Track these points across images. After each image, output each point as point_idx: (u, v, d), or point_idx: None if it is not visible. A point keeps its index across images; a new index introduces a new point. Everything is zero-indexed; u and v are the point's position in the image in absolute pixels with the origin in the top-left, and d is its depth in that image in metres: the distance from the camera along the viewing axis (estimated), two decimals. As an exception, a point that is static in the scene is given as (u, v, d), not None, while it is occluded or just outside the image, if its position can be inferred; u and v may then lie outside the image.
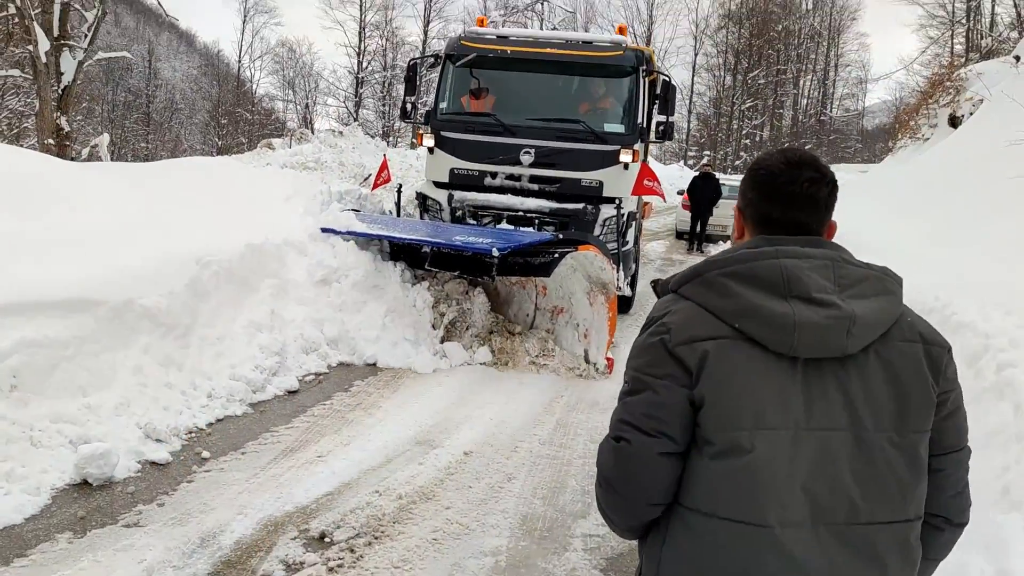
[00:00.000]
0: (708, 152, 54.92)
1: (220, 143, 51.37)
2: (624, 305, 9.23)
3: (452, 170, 9.13)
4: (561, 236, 7.91)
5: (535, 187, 8.94)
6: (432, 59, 10.13)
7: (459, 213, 9.04)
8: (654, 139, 9.81)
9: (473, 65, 9.35)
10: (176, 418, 5.30)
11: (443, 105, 9.55)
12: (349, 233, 7.83)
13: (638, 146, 9.26)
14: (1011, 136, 8.49)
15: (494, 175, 9.01)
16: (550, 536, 4.34)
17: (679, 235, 20.14)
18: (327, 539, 4.11)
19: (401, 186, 10.03)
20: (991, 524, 3.62)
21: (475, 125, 9.19)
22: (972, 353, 5.02)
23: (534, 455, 5.44)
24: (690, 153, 56.44)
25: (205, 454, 5.01)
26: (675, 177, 27.91)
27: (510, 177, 8.98)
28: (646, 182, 9.20)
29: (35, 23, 17.22)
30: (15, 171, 7.49)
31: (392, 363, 7.00)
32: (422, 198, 9.43)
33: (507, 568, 3.98)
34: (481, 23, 10.63)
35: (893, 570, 1.58)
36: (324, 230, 7.90)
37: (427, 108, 9.80)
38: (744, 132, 59.18)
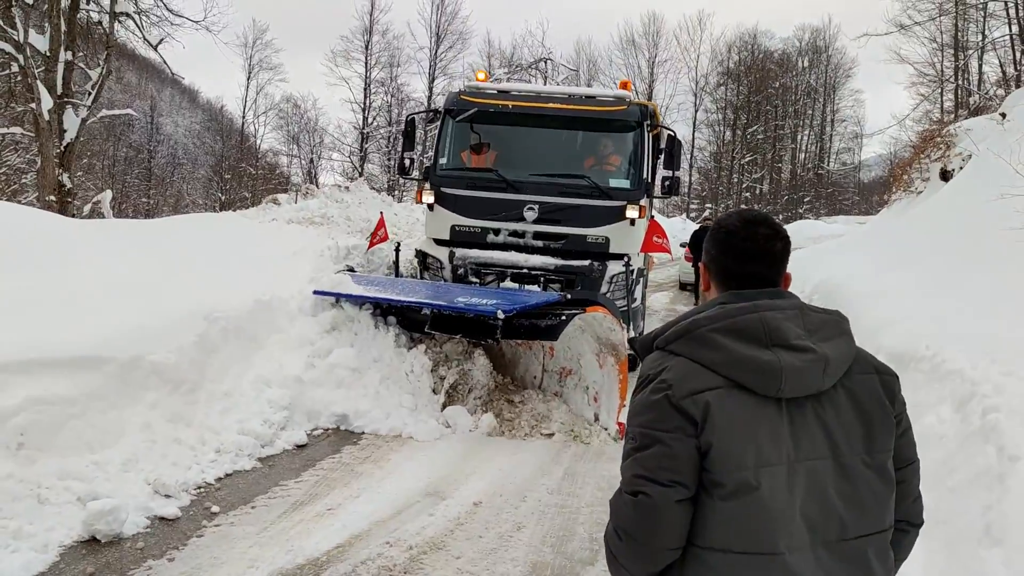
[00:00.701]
0: (710, 205, 55.52)
1: (223, 198, 51.81)
2: (632, 363, 9.06)
3: (453, 227, 8.89)
4: (568, 296, 7.61)
5: (539, 244, 8.71)
6: (431, 114, 9.78)
7: (461, 271, 8.74)
8: (660, 194, 9.56)
9: (474, 120, 9.15)
10: (185, 473, 5.30)
11: (443, 161, 9.29)
12: (344, 296, 7.52)
13: (644, 201, 9.02)
14: (997, 190, 8.69)
15: (497, 232, 8.79)
16: (562, 588, 4.32)
17: (683, 286, 20.28)
18: (338, 593, 4.08)
19: (399, 244, 9.73)
20: (975, 559, 3.74)
21: (476, 181, 8.99)
22: (960, 399, 5.18)
23: (543, 504, 5.42)
24: (692, 206, 57.02)
25: (215, 509, 5.00)
26: (677, 229, 28.19)
27: (513, 234, 8.76)
28: (655, 239, 8.94)
29: (38, 81, 17.55)
30: (20, 229, 7.61)
31: (387, 434, 6.64)
32: (422, 256, 9.18)
33: (520, 621, 3.95)
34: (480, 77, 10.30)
35: (879, 575, 1.77)
36: (317, 293, 7.57)
37: (427, 164, 9.48)
38: (744, 185, 60.00)
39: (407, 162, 9.47)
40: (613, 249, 8.67)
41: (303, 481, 5.55)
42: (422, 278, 9.09)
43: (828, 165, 63.13)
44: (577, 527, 5.10)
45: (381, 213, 10.15)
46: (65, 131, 18.18)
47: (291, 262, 8.41)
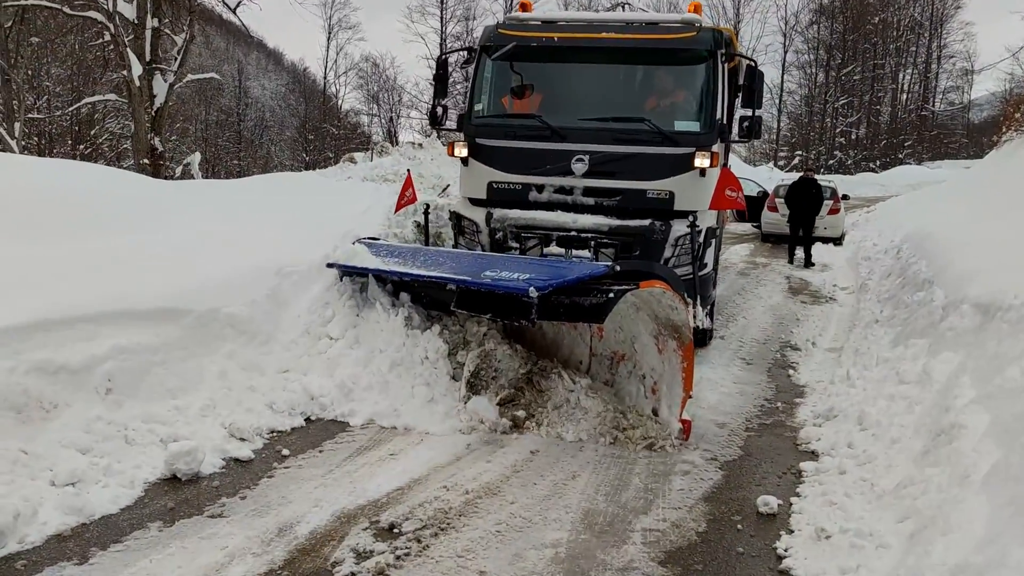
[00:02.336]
0: (800, 152, 53.63)
1: (308, 158, 53.18)
2: (701, 338, 7.92)
3: (490, 184, 7.79)
4: (618, 268, 6.39)
5: (590, 201, 7.54)
6: (466, 52, 8.43)
7: (499, 235, 7.70)
8: (737, 138, 8.14)
9: (513, 57, 7.87)
10: (258, 419, 5.61)
11: (478, 107, 8.05)
12: (358, 270, 6.95)
13: (717, 147, 7.63)
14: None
15: (540, 188, 7.64)
16: (610, 530, 4.42)
17: (764, 237, 19.74)
18: (396, 530, 4.30)
19: (428, 207, 8.79)
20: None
21: (516, 129, 7.78)
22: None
23: (599, 455, 5.51)
24: (780, 153, 55.23)
25: (285, 452, 5.29)
26: (763, 178, 26.93)
27: (560, 190, 7.59)
28: (728, 192, 7.53)
29: (128, 49, 18.40)
30: (113, 191, 8.08)
31: (399, 427, 5.86)
32: (456, 218, 8.15)
33: (566, 559, 4.08)
34: (525, 7, 8.64)
35: None
36: (331, 266, 7.06)
37: (461, 111, 8.29)
38: (838, 130, 57.52)
39: (439, 110, 8.30)
40: (679, 206, 7.44)
41: (369, 427, 5.80)
42: (456, 243, 8.15)
43: (933, 106, 59.83)
44: (632, 477, 5.16)
45: (408, 171, 9.12)
46: (155, 96, 19.00)
47: (360, 220, 8.61)
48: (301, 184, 11.08)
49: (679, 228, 7.38)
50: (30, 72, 24.58)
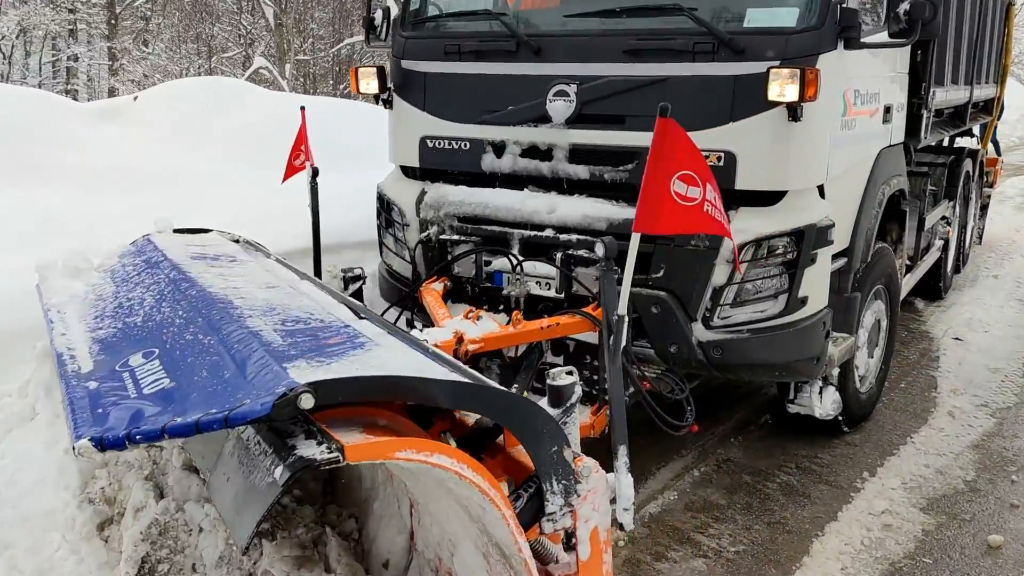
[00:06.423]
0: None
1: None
2: (831, 425, 4.53)
3: (423, 141, 4.59)
4: (308, 393, 1.75)
5: (581, 172, 4.09)
6: None
7: (432, 230, 4.49)
8: (885, 38, 3.98)
9: None
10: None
11: (415, 6, 4.78)
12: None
13: (828, 60, 3.65)
14: None
15: (500, 149, 4.29)
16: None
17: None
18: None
19: (317, 172, 5.08)
20: None
21: (461, 39, 4.46)
22: None
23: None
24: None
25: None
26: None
27: (530, 151, 4.21)
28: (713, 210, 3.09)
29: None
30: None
31: None
32: (381, 202, 4.94)
33: (816, 496, 3.99)
34: None
35: None
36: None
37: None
38: None
39: (378, 15, 4.83)
40: (745, 181, 3.72)
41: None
42: (382, 244, 5.03)
43: None
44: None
45: (302, 110, 5.24)
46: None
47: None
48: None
49: (749, 225, 3.70)
50: (297, 16, 26.84)
